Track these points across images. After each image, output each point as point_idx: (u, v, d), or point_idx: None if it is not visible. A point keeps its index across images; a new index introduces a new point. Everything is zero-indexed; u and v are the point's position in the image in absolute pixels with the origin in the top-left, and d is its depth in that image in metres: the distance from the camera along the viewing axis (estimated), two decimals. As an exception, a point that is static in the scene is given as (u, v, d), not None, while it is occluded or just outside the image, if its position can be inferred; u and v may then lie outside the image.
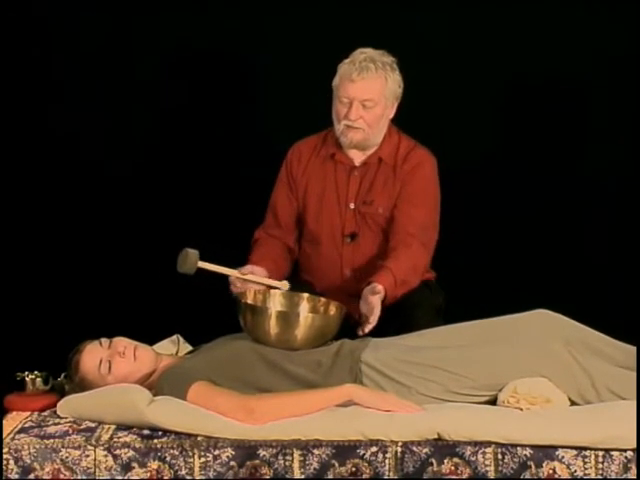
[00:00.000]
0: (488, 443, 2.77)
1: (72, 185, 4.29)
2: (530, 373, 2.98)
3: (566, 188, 4.31)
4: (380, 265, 3.37)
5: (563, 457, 2.75)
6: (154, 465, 2.77)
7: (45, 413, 3.06)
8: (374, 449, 2.77)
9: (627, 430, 2.75)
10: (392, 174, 3.55)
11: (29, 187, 4.29)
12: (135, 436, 2.83)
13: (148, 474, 2.77)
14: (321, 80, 3.53)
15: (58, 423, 2.95)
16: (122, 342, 3.11)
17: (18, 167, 4.27)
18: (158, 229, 4.27)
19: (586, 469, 2.75)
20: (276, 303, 3.33)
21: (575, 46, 4.20)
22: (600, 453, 2.75)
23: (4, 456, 2.76)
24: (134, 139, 4.31)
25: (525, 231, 4.32)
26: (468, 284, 4.17)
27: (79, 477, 2.76)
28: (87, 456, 2.77)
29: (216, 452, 2.78)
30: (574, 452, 2.75)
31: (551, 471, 2.75)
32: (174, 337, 3.50)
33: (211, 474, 2.77)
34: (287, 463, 2.77)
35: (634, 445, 2.74)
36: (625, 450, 2.75)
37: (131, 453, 2.78)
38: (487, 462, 2.76)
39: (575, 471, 2.75)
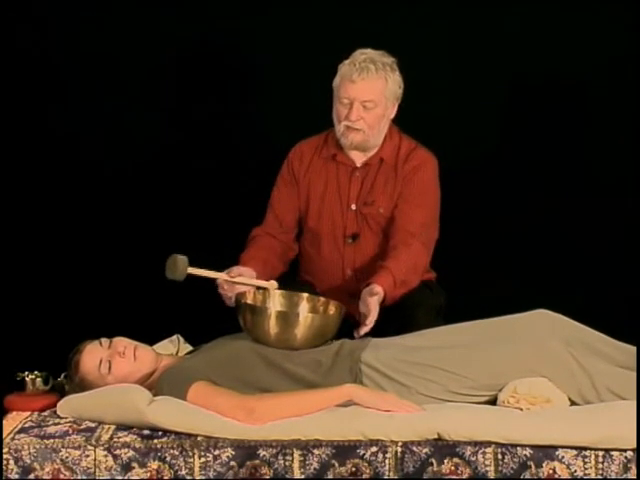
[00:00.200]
0: (488, 443, 2.77)
1: (72, 185, 4.29)
2: (530, 373, 2.98)
3: (566, 188, 4.31)
4: (379, 265, 3.37)
5: (563, 457, 2.75)
6: (154, 465, 2.77)
7: (45, 413, 3.06)
8: (374, 449, 2.77)
9: (627, 430, 2.75)
10: (393, 174, 3.55)
11: (29, 187, 4.29)
12: (135, 436, 2.83)
13: (148, 474, 2.77)
14: (321, 80, 3.53)
15: (58, 423, 2.95)
16: (122, 342, 3.11)
17: (18, 168, 4.27)
18: (158, 229, 4.27)
19: (586, 469, 2.75)
20: (276, 303, 3.33)
21: (575, 46, 4.20)
22: (600, 453, 2.75)
23: (4, 456, 2.76)
24: (134, 139, 4.31)
25: (525, 231, 4.32)
26: (468, 284, 4.17)
27: (79, 477, 2.76)
28: (87, 456, 2.77)
29: (216, 452, 2.78)
30: (574, 452, 2.75)
31: (551, 471, 2.75)
32: (174, 337, 3.50)
33: (211, 474, 2.77)
34: (287, 463, 2.77)
35: (634, 445, 2.74)
36: (625, 450, 2.75)
37: (131, 453, 2.78)
38: (487, 462, 2.76)
39: (575, 471, 2.75)
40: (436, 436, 2.79)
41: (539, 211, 4.31)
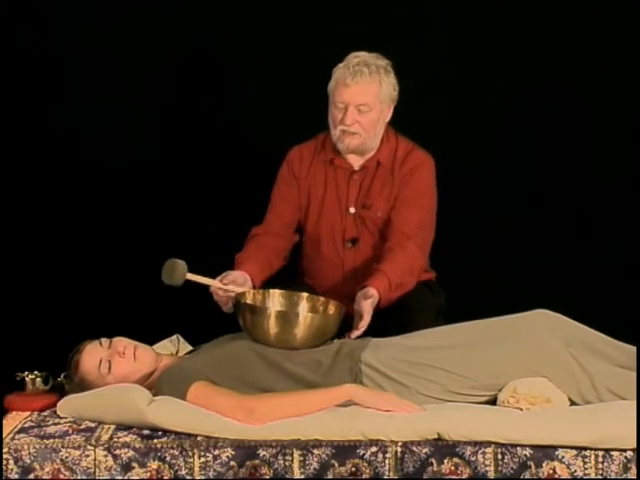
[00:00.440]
0: (488, 443, 2.77)
1: (72, 185, 4.29)
2: (530, 373, 2.98)
3: (566, 188, 4.31)
4: (375, 268, 3.36)
5: (563, 457, 2.75)
6: (154, 465, 2.77)
7: (45, 413, 3.06)
8: (374, 449, 2.77)
9: (627, 430, 2.75)
10: (390, 177, 3.54)
11: (29, 187, 4.29)
12: (135, 436, 2.83)
13: (148, 474, 2.77)
14: (322, 80, 3.52)
15: (58, 423, 2.95)
16: (122, 342, 3.11)
17: (18, 168, 4.27)
18: (158, 228, 4.27)
19: (586, 469, 2.75)
20: (275, 303, 3.33)
21: (575, 46, 4.20)
22: (600, 453, 2.75)
23: (4, 456, 2.76)
24: (133, 139, 4.31)
25: (525, 231, 4.32)
26: (468, 284, 4.17)
27: (79, 477, 2.76)
28: (87, 456, 2.77)
29: (216, 452, 2.78)
30: (574, 452, 2.75)
31: (551, 471, 2.75)
32: (174, 337, 3.50)
33: (211, 474, 2.77)
34: (287, 463, 2.77)
35: (634, 445, 2.74)
36: (625, 450, 2.75)
37: (131, 453, 2.78)
38: (487, 462, 2.76)
39: (575, 471, 2.75)
40: (436, 436, 2.79)
41: (539, 211, 4.31)
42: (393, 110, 3.52)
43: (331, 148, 3.56)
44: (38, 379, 3.15)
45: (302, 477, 2.76)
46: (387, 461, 2.76)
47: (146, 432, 2.85)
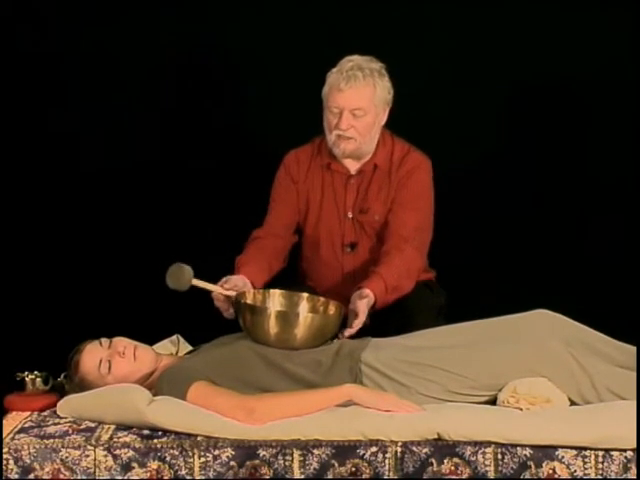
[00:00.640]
0: (488, 443, 2.77)
1: (72, 185, 4.29)
2: (530, 373, 2.98)
3: (566, 188, 4.31)
4: (372, 270, 3.35)
5: (563, 457, 2.75)
6: (154, 465, 2.77)
7: (45, 413, 3.06)
8: (374, 449, 2.77)
9: (627, 430, 2.75)
10: (387, 180, 3.53)
11: (29, 187, 4.29)
12: (135, 436, 2.83)
13: (148, 474, 2.77)
14: (317, 82, 3.51)
15: (58, 423, 2.95)
16: (122, 342, 3.11)
17: (18, 168, 4.27)
18: (158, 229, 4.27)
19: (586, 469, 2.75)
20: (275, 303, 3.33)
21: (575, 47, 4.20)
22: (600, 453, 2.75)
23: (4, 456, 2.76)
24: (134, 139, 4.31)
25: (525, 231, 4.32)
26: (468, 284, 4.17)
27: (79, 477, 2.76)
28: (87, 456, 2.77)
29: (216, 452, 2.78)
30: (574, 452, 2.75)
31: (551, 471, 2.75)
32: (174, 337, 3.50)
33: (211, 474, 2.77)
34: (287, 463, 2.77)
35: (634, 445, 2.74)
36: (625, 450, 2.75)
37: (131, 453, 2.78)
38: (487, 462, 2.76)
39: (575, 471, 2.75)
40: (436, 436, 2.79)
41: (539, 211, 4.31)
42: (389, 112, 3.50)
43: (327, 152, 3.54)
44: (38, 379, 3.15)
45: (302, 477, 2.76)
46: (387, 461, 2.76)
47: (146, 432, 2.85)
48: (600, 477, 2.74)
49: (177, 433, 2.83)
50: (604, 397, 2.96)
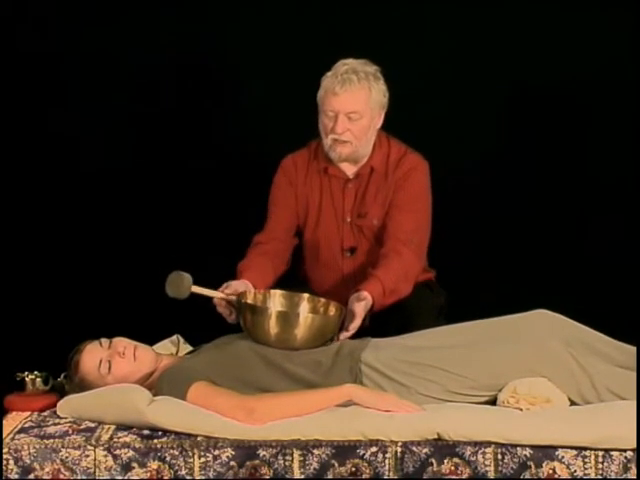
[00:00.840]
0: (488, 443, 2.77)
1: (72, 185, 4.29)
2: (530, 373, 2.98)
3: (567, 188, 4.31)
4: (369, 273, 3.35)
5: (563, 457, 2.75)
6: (154, 465, 2.77)
7: (45, 413, 3.06)
8: (374, 449, 2.77)
9: (627, 430, 2.75)
10: (384, 183, 3.51)
11: (29, 188, 4.29)
12: (135, 436, 2.83)
13: (148, 474, 2.77)
14: (317, 83, 3.50)
15: (58, 423, 2.95)
16: (122, 342, 3.11)
17: (18, 168, 4.27)
18: (158, 229, 4.27)
19: (586, 469, 2.75)
20: (276, 303, 3.33)
21: (575, 47, 4.20)
22: (600, 453, 2.75)
23: (4, 456, 2.76)
24: (134, 139, 4.31)
25: (525, 231, 4.32)
26: (468, 284, 4.17)
27: (79, 477, 2.76)
28: (87, 456, 2.77)
29: (216, 452, 2.78)
30: (574, 452, 2.75)
31: (551, 471, 2.75)
32: (174, 337, 3.50)
33: (211, 474, 2.77)
34: (287, 463, 2.77)
35: (634, 445, 2.74)
36: (625, 450, 2.75)
37: (131, 453, 2.77)
38: (487, 462, 2.76)
39: (575, 471, 2.75)
40: (436, 436, 2.79)
41: (539, 211, 4.32)
42: (388, 113, 3.49)
43: (324, 156, 3.53)
44: (38, 379, 3.15)
45: (302, 477, 2.76)
46: (387, 461, 2.76)
47: (146, 432, 2.85)
48: (600, 477, 2.74)
49: (177, 433, 2.83)
50: (604, 397, 2.96)
